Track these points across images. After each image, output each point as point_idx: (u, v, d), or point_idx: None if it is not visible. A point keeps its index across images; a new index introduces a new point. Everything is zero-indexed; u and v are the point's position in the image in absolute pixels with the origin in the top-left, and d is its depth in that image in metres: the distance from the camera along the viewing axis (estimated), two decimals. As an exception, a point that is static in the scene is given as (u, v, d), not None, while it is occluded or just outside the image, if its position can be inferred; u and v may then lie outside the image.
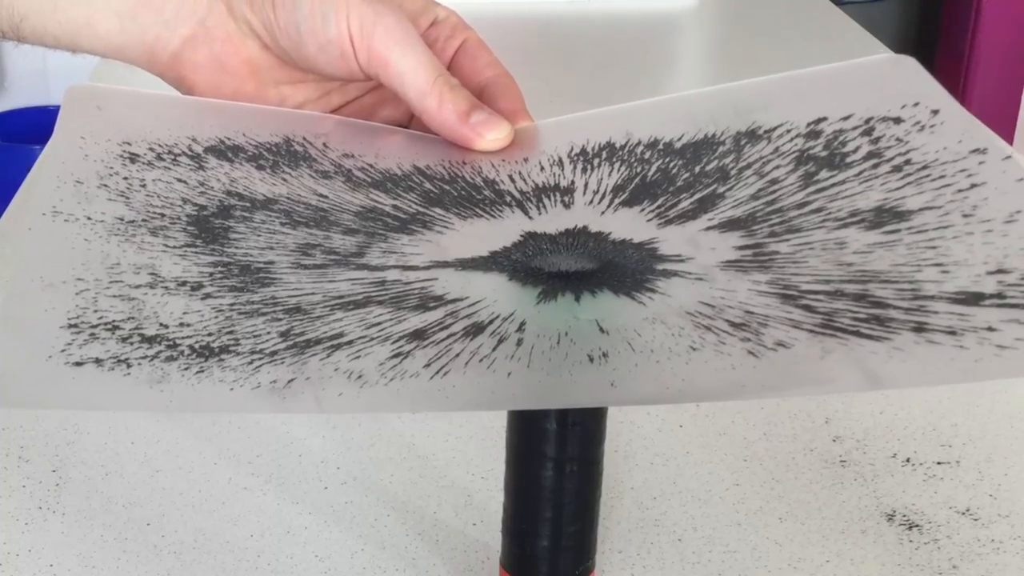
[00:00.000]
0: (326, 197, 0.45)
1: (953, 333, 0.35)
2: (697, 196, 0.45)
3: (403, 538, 0.51)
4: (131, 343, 0.35)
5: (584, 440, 0.42)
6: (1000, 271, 0.37)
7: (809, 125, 0.46)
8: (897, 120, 0.44)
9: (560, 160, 0.49)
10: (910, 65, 0.47)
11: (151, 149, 0.44)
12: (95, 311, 0.37)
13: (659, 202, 0.45)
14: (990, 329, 0.34)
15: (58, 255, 0.39)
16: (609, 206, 0.45)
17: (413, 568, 0.49)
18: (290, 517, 0.52)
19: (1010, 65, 2.14)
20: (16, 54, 2.24)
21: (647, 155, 0.48)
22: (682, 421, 0.59)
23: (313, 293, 0.38)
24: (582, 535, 0.43)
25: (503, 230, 0.44)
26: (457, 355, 0.36)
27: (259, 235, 0.41)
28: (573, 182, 0.47)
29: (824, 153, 0.44)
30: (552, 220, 0.45)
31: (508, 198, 0.46)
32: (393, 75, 0.48)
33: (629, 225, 0.44)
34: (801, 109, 0.47)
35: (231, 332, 0.36)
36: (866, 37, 1.23)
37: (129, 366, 0.35)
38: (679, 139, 0.48)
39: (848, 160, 0.43)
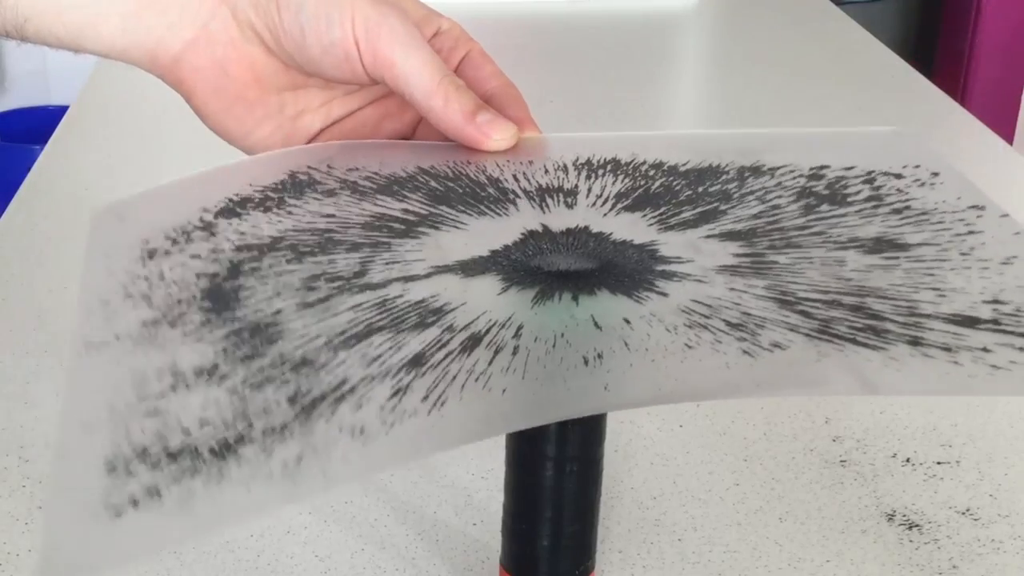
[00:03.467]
0: (333, 215, 0.45)
1: (948, 349, 0.35)
2: (699, 210, 0.45)
3: (403, 538, 0.51)
4: (160, 468, 0.35)
5: (584, 440, 0.42)
6: (996, 301, 0.37)
7: (812, 169, 0.46)
8: (898, 176, 0.45)
9: (565, 166, 0.49)
10: (914, 136, 0.48)
11: (167, 238, 0.45)
12: (128, 441, 0.36)
13: (661, 210, 0.45)
14: (985, 350, 0.35)
15: (93, 391, 0.39)
16: (611, 209, 0.45)
17: (413, 568, 0.49)
18: (290, 517, 0.52)
19: (1010, 65, 2.14)
20: (16, 54, 2.24)
21: (651, 173, 0.48)
22: (682, 421, 0.59)
23: (317, 336, 0.39)
24: (582, 535, 0.43)
25: (505, 228, 0.44)
26: (454, 378, 0.36)
27: (267, 283, 0.42)
28: (576, 185, 0.47)
29: (826, 192, 0.45)
30: (554, 219, 0.45)
31: (511, 196, 0.46)
32: (399, 75, 0.48)
33: (630, 228, 0.44)
34: (805, 156, 0.48)
35: (244, 415, 0.36)
36: (866, 37, 1.23)
37: (160, 495, 0.34)
38: (684, 164, 0.49)
39: (849, 200, 0.44)
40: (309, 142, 0.51)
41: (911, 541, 0.51)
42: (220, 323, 0.41)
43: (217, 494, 0.34)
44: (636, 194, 0.47)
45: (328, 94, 0.52)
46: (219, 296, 0.42)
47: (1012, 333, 0.36)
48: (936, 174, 0.45)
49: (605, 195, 0.47)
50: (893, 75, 1.13)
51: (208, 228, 0.45)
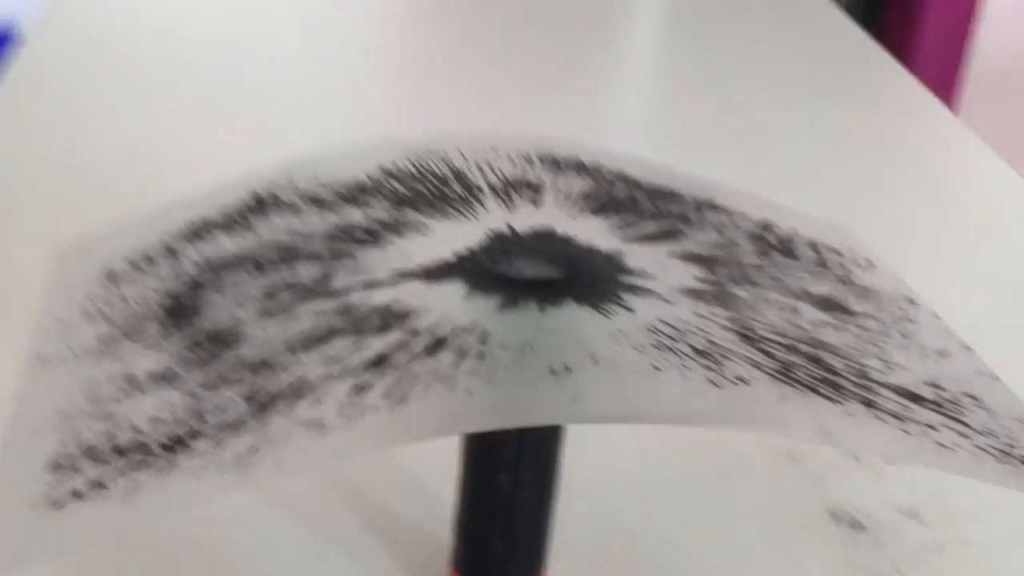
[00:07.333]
0: (295, 230, 0.44)
1: (899, 418, 0.36)
2: (661, 225, 0.45)
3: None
4: (107, 463, 0.35)
5: (542, 446, 0.42)
6: (936, 386, 0.38)
7: (762, 220, 0.47)
8: (838, 253, 0.46)
9: (529, 157, 0.48)
10: (847, 228, 0.49)
11: (129, 262, 0.44)
12: (75, 442, 0.36)
13: (626, 219, 0.45)
14: (931, 427, 0.36)
15: (44, 399, 0.38)
16: (577, 210, 0.45)
17: (361, 562, 0.49)
18: (236, 503, 0.51)
19: (956, 29, 2.16)
20: None
21: (613, 180, 0.48)
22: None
23: (277, 341, 0.38)
24: (535, 539, 0.43)
25: (470, 230, 0.43)
26: (417, 378, 0.35)
27: (227, 295, 0.41)
28: (542, 180, 0.47)
29: (777, 243, 0.46)
30: (520, 218, 0.44)
31: (477, 192, 0.46)
32: None
33: (595, 233, 0.44)
34: (753, 209, 0.48)
35: (197, 413, 0.36)
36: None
37: (106, 487, 0.34)
38: (645, 180, 0.48)
39: (798, 256, 0.45)
40: None
41: (856, 541, 0.52)
42: (178, 333, 0.40)
43: (165, 483, 0.34)
44: (600, 197, 0.46)
45: None
46: (179, 310, 0.41)
47: (952, 418, 0.37)
48: (871, 262, 0.46)
49: (570, 194, 0.46)
50: (859, 55, 1.13)
51: (171, 252, 0.44)
